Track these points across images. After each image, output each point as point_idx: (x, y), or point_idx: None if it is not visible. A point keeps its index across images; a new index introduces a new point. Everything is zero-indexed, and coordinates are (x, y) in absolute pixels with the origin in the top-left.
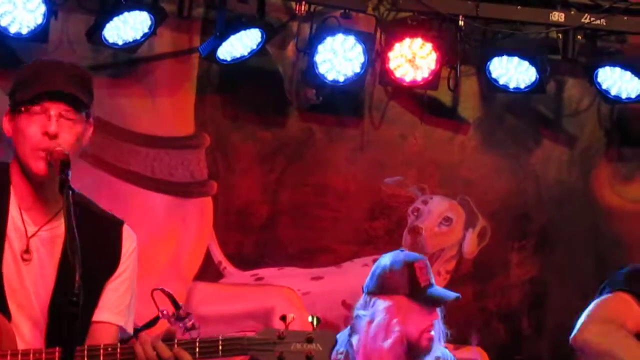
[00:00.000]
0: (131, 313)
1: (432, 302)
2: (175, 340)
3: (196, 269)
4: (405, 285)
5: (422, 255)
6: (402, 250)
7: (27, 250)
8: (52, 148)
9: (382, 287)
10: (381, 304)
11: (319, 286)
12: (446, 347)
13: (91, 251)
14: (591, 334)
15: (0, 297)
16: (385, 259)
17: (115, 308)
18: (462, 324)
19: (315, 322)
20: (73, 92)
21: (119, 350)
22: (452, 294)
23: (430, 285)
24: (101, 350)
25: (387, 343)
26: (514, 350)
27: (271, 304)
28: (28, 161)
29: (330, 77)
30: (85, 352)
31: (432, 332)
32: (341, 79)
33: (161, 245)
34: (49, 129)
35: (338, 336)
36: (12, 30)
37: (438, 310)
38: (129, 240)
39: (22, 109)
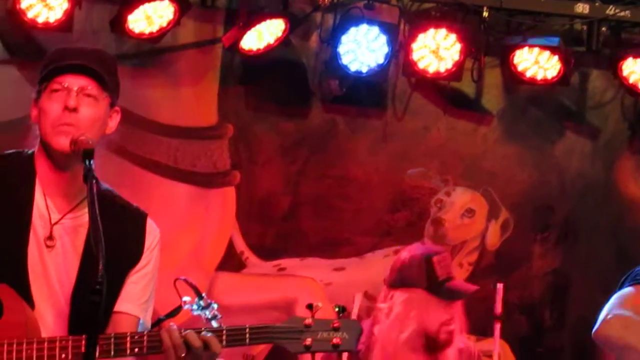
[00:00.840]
0: (149, 308)
1: (449, 296)
2: (203, 329)
3: (218, 259)
4: (423, 278)
5: (443, 248)
6: (423, 244)
7: (50, 237)
8: (79, 135)
9: (401, 280)
10: (399, 297)
11: (340, 277)
12: (468, 339)
13: (114, 242)
14: (613, 329)
15: (24, 283)
16: (406, 252)
17: (137, 300)
18: (484, 316)
19: (340, 312)
20: (93, 67)
21: (145, 337)
22: (470, 288)
23: (449, 278)
24: (128, 338)
25: (404, 336)
26: (535, 342)
27: (293, 295)
28: (49, 139)
29: (353, 68)
30: (112, 339)
31: (452, 326)
32: (364, 70)
33: (184, 235)
34: (69, 102)
35: None
36: (40, 20)
37: (458, 302)
38: (152, 234)
39: (44, 87)
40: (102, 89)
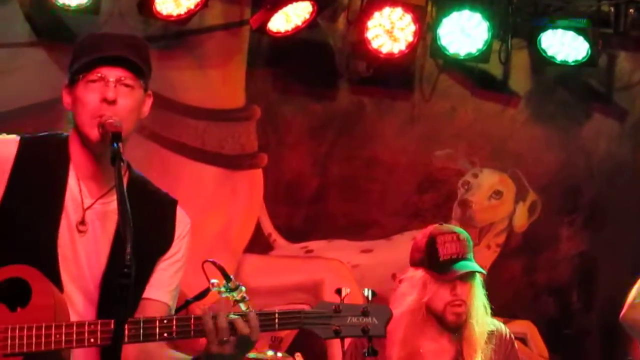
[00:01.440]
0: (175, 297)
1: (449, 276)
2: (232, 313)
3: (246, 241)
4: (425, 258)
5: (461, 228)
6: (441, 224)
7: (82, 222)
8: (107, 118)
9: (412, 259)
10: (407, 275)
11: (368, 259)
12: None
13: (145, 228)
14: None
15: (53, 267)
16: (420, 234)
17: (166, 287)
18: (512, 298)
19: (370, 296)
20: (130, 58)
21: (175, 322)
22: (473, 268)
23: (455, 259)
24: (157, 323)
25: (397, 312)
26: (563, 324)
27: (320, 277)
28: (86, 129)
29: (381, 49)
30: (141, 324)
31: (461, 308)
32: (392, 51)
33: (211, 217)
34: (107, 94)
35: None
36: (63, 1)
37: (472, 284)
38: (183, 223)
39: (80, 77)
40: (137, 77)
